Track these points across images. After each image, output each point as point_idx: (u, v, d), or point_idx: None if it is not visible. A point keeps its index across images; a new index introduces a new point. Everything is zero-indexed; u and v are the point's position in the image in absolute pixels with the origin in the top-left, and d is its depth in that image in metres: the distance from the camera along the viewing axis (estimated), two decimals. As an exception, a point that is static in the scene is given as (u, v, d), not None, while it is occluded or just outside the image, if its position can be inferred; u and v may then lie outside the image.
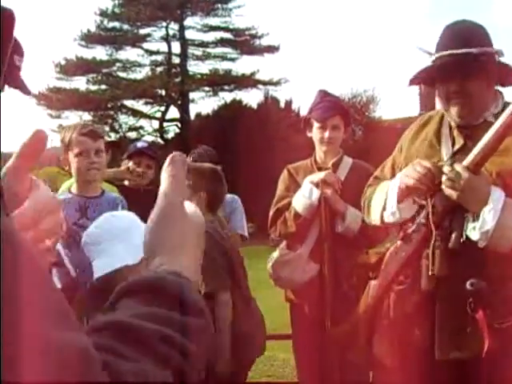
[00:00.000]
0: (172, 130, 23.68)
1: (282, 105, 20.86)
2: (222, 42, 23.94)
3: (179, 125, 23.16)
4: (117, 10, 23.31)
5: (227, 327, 2.78)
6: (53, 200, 0.82)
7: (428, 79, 2.27)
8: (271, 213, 3.27)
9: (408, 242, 2.09)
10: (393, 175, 2.32)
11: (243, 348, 2.85)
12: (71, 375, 0.44)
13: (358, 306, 2.25)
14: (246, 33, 23.72)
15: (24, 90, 1.77)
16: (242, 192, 4.80)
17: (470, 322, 1.96)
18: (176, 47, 23.70)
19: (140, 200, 2.85)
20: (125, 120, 23.64)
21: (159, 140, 22.73)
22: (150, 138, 22.56)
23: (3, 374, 0.41)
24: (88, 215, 2.80)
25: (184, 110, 23.07)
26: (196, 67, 23.86)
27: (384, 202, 2.21)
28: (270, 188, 3.70)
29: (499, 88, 2.22)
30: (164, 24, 23.52)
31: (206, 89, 23.62)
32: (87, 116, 22.20)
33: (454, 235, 1.99)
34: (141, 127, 23.82)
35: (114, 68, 23.77)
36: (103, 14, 23.25)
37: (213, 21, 23.71)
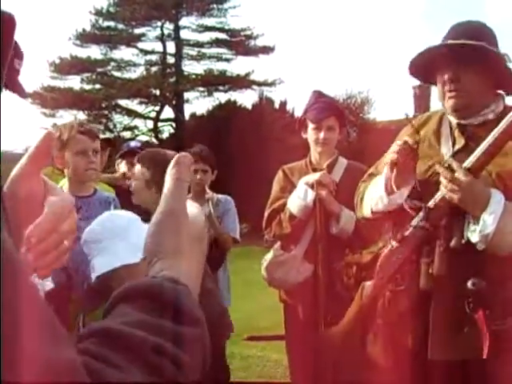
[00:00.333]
0: (166, 130, 23.63)
1: (277, 106, 20.83)
2: (217, 43, 23.91)
3: (174, 125, 23.12)
4: (112, 10, 23.25)
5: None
6: (68, 201, 0.82)
7: (424, 71, 2.27)
8: (266, 213, 3.28)
9: (405, 244, 2.10)
10: None
11: (216, 329, 2.84)
12: None
13: (351, 306, 2.25)
14: (241, 33, 23.70)
15: (22, 93, 1.75)
16: (236, 192, 4.81)
17: (467, 322, 1.97)
18: (171, 47, 23.68)
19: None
20: (119, 119, 23.57)
21: (153, 140, 22.68)
22: (144, 138, 22.51)
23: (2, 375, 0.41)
24: (81, 215, 2.79)
25: (179, 110, 23.02)
26: (191, 67, 23.83)
27: (374, 193, 2.22)
28: (264, 189, 3.70)
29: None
30: (159, 24, 23.47)
31: (201, 89, 23.58)
32: (81, 115, 22.12)
33: (455, 235, 1.99)
34: (135, 127, 23.75)
35: (109, 67, 23.69)
36: (98, 13, 23.18)
37: (208, 21, 23.69)
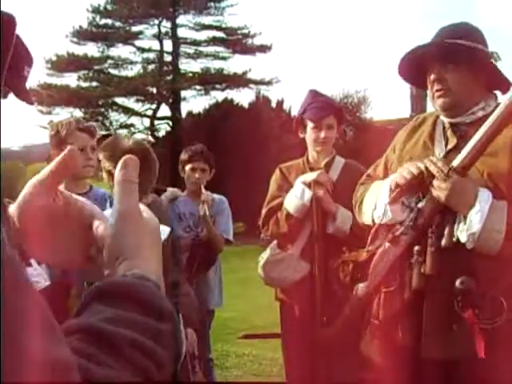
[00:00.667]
0: (163, 128, 23.59)
1: (274, 104, 20.82)
2: (214, 41, 23.87)
3: (170, 123, 23.09)
4: (109, 7, 23.19)
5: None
6: (94, 207, 0.84)
7: (416, 75, 2.28)
8: (263, 212, 3.27)
9: (396, 245, 2.10)
10: (385, 175, 2.34)
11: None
12: None
13: (346, 306, 2.25)
14: (239, 32, 23.68)
15: (29, 101, 1.72)
16: (232, 191, 4.82)
17: (457, 321, 1.97)
18: (168, 45, 23.64)
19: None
20: (116, 117, 23.53)
21: (150, 138, 22.65)
22: (140, 136, 22.47)
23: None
24: None
25: (175, 108, 22.99)
26: (188, 65, 23.80)
27: (375, 202, 2.22)
28: (260, 187, 3.70)
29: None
30: (156, 22, 23.43)
31: (198, 87, 23.55)
32: (78, 113, 22.08)
33: (446, 234, 2.00)
34: (132, 125, 23.71)
35: (106, 65, 23.65)
36: (95, 10, 23.13)
37: (205, 19, 23.65)
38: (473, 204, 1.94)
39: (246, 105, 21.05)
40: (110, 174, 2.64)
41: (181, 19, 23.57)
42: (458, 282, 1.94)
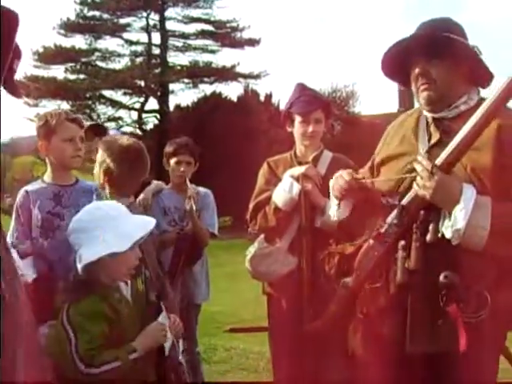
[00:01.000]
0: (151, 121, 23.55)
1: (262, 98, 20.83)
2: (202, 34, 23.81)
3: (158, 116, 23.03)
4: (97, -1, 23.08)
5: None
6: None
7: (399, 73, 2.28)
8: (251, 206, 3.27)
9: (381, 241, 2.11)
10: (371, 174, 2.40)
11: None
12: None
13: (333, 301, 2.26)
14: (227, 25, 23.64)
15: (18, 95, 1.70)
16: (219, 185, 4.80)
17: (441, 315, 1.98)
18: (156, 38, 23.56)
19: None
20: (103, 110, 23.46)
21: (138, 131, 22.59)
22: (128, 129, 22.43)
23: None
24: (62, 203, 2.77)
25: (163, 101, 22.93)
26: (176, 58, 23.74)
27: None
28: (248, 181, 3.69)
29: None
30: (144, 14, 23.34)
31: (186, 80, 23.50)
32: (65, 105, 21.97)
33: (430, 230, 2.00)
34: (119, 118, 23.64)
35: (93, 57, 23.53)
36: (83, 2, 22.98)
37: (194, 12, 23.60)
38: (457, 201, 1.95)
39: (234, 98, 21.06)
40: (108, 169, 2.65)
41: (169, 12, 23.51)
42: (441, 277, 1.94)
